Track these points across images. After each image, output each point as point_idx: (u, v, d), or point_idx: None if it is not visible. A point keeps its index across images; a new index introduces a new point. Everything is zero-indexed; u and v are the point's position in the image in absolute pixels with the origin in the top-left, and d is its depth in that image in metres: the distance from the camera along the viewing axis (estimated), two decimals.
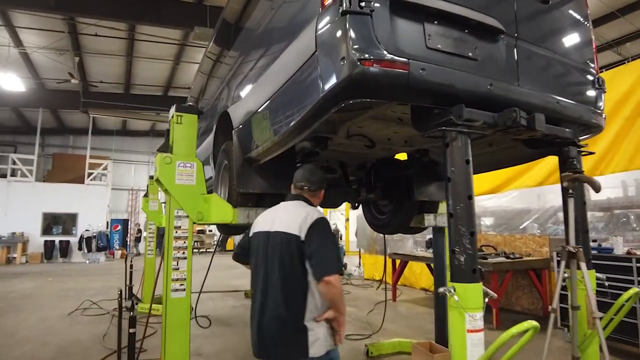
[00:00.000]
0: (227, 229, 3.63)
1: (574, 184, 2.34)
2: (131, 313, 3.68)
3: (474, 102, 1.98)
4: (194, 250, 21.34)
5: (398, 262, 8.47)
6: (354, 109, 2.41)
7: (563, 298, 5.40)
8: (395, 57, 1.74)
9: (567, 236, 2.47)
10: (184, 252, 3.16)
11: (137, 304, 6.41)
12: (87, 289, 9.84)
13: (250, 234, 2.39)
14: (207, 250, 24.95)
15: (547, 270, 6.77)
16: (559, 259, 5.73)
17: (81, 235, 17.65)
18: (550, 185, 6.75)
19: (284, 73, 2.32)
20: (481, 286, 1.79)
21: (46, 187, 17.82)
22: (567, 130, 2.46)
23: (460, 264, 1.78)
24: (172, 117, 3.30)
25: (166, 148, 3.39)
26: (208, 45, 5.41)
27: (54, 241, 17.46)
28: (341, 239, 21.74)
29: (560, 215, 7.85)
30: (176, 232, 3.12)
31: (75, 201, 17.92)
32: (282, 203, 2.43)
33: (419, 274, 9.66)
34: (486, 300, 1.81)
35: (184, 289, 3.13)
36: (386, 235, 5.17)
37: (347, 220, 21.50)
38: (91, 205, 18.26)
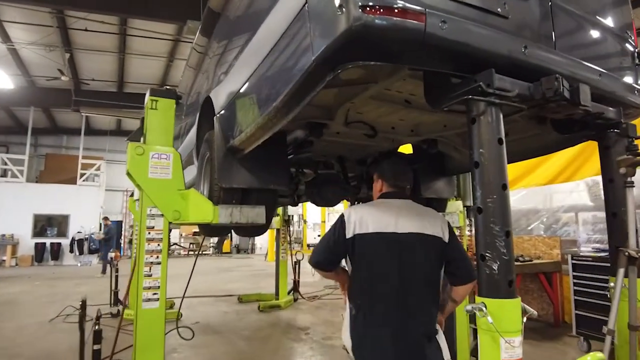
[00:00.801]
0: (210, 230, 3.22)
1: (634, 170, 1.92)
2: (109, 318, 3.25)
3: (505, 68, 1.57)
4: (189, 253, 20.82)
5: None
6: (354, 82, 2.00)
7: (579, 304, 5.01)
8: (409, 5, 1.33)
9: (619, 237, 2.04)
10: (157, 257, 2.76)
11: (122, 310, 6.04)
12: (74, 293, 9.38)
13: (350, 235, 1.97)
14: (204, 252, 24.48)
15: (559, 274, 6.35)
16: (574, 262, 5.40)
17: (72, 238, 17.19)
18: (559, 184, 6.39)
19: (268, 39, 1.91)
20: (520, 302, 1.38)
21: (37, 188, 17.35)
22: (611, 109, 2.05)
23: (493, 274, 1.37)
24: (147, 102, 2.89)
25: (139, 137, 2.97)
26: (195, 37, 4.99)
27: (44, 243, 16.98)
28: None
29: (568, 215, 7.52)
30: (149, 233, 2.71)
31: (67, 202, 17.44)
32: (384, 201, 2.11)
33: None
34: (524, 319, 1.41)
35: (158, 299, 2.72)
36: None
37: None
38: (83, 206, 17.78)
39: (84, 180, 18.22)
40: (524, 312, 1.40)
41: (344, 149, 3.68)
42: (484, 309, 1.33)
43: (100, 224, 17.84)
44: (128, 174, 2.72)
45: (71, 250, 17.17)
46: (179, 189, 2.75)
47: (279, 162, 2.74)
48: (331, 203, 3.59)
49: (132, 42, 12.38)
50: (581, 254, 5.24)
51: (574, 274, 5.05)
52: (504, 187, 1.46)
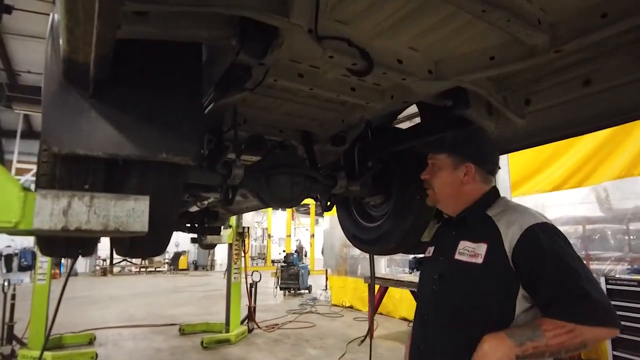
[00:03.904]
0: (44, 244, 1.75)
1: None
2: None
3: None
4: (140, 270, 19.13)
5: (377, 288, 6.74)
6: None
7: (617, 342, 3.83)
8: None
9: None
10: None
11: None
12: None
13: None
14: (157, 269, 22.37)
15: None
16: (608, 287, 4.26)
17: (0, 252, 14.99)
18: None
19: None
20: None
21: None
22: None
23: None
24: None
25: None
26: None
27: None
28: (306, 256, 19.98)
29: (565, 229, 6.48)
30: None
31: None
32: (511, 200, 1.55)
33: (399, 301, 7.99)
34: None
35: None
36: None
37: (312, 236, 19.83)
38: None
39: None
40: None
41: (311, 117, 2.36)
42: None
43: None
44: None
45: None
46: None
47: (182, 107, 1.37)
48: (288, 202, 2.23)
49: None
50: (618, 275, 4.09)
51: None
52: None
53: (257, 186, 2.07)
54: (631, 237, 4.86)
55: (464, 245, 1.38)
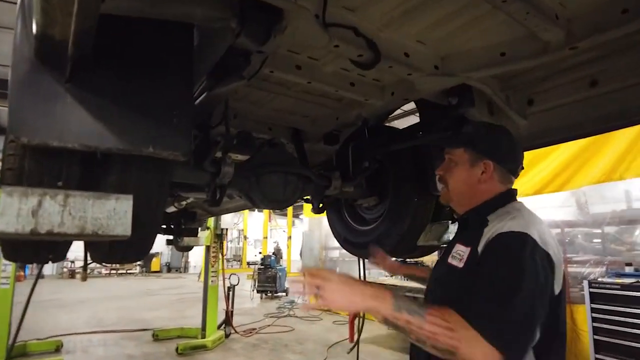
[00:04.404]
0: (14, 250, 1.56)
1: None
2: None
3: None
4: (111, 272, 18.47)
5: None
6: None
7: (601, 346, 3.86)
8: None
9: None
10: None
11: None
12: None
13: (558, 291, 1.17)
14: (129, 271, 21.67)
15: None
16: (592, 290, 4.29)
17: None
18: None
19: None
20: None
21: None
22: None
23: None
24: None
25: None
26: None
27: None
28: (281, 258, 19.77)
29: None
30: None
31: None
32: (523, 206, 1.33)
33: None
34: None
35: None
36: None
37: (289, 238, 19.64)
38: None
39: None
40: None
41: (303, 114, 2.24)
42: None
43: None
44: None
45: None
46: None
47: (172, 96, 1.22)
48: (280, 203, 2.10)
49: None
50: (600, 279, 4.11)
51: (593, 305, 3.88)
52: None
53: (247, 186, 1.93)
54: (609, 240, 4.93)
55: (457, 248, 1.29)
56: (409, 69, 1.56)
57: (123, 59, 1.19)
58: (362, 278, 2.95)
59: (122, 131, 1.16)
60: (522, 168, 1.41)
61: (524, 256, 1.09)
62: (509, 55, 1.52)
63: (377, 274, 8.36)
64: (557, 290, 1.15)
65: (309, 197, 2.36)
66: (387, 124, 2.77)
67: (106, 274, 20.97)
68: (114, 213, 1.16)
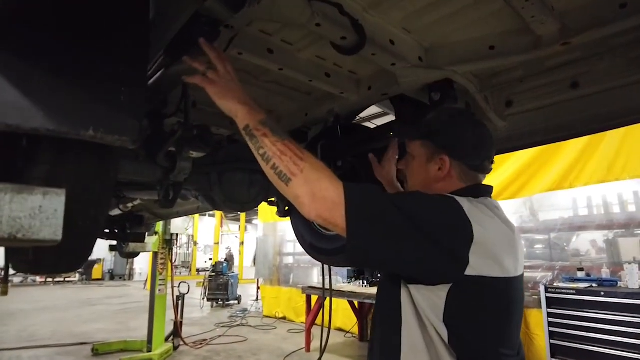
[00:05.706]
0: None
1: None
2: None
3: None
4: (46, 281, 17.07)
5: (314, 299, 6.51)
6: None
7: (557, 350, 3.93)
8: None
9: None
10: None
11: None
12: None
13: (475, 274, 0.97)
14: (67, 279, 20.16)
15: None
16: (549, 295, 4.38)
17: None
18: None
19: None
20: None
21: None
22: None
23: None
24: None
25: None
26: None
27: None
28: (234, 264, 19.25)
29: None
30: None
31: None
32: (490, 201, 1.16)
33: (334, 311, 7.80)
34: None
35: None
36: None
37: (241, 244, 19.16)
38: None
39: None
40: None
41: (269, 108, 2.05)
42: None
43: None
44: None
45: None
46: None
47: (121, 68, 1.00)
48: (242, 206, 1.88)
49: None
50: (556, 284, 4.21)
51: (550, 310, 3.95)
52: None
53: (207, 184, 1.71)
54: (558, 246, 5.11)
55: None
56: (394, 58, 1.42)
57: (60, 18, 0.95)
58: (329, 286, 2.80)
59: (54, 108, 0.92)
60: (492, 162, 1.24)
61: (440, 202, 1.05)
62: (498, 49, 1.42)
63: (335, 282, 8.24)
64: (469, 272, 0.97)
65: (273, 199, 2.17)
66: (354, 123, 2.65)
67: (41, 282, 19.35)
68: (40, 212, 0.91)
